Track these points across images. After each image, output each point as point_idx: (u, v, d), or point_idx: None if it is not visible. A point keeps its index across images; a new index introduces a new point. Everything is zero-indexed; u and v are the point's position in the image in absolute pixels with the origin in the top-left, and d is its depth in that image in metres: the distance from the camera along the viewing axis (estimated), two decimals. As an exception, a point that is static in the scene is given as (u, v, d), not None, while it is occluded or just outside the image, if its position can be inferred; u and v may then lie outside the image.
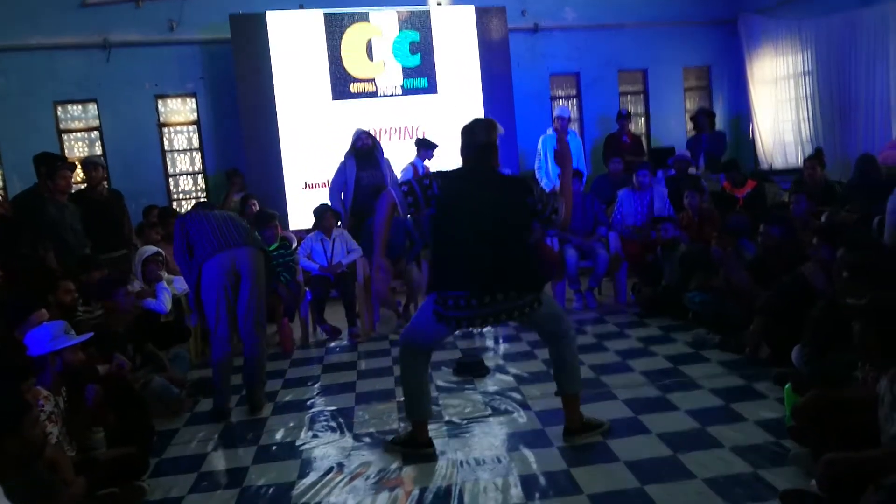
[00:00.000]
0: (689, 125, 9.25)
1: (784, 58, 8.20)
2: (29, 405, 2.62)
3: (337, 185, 6.54)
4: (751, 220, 5.64)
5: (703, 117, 8.05)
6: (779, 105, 8.38)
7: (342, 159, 6.59)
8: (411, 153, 7.49)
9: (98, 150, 7.86)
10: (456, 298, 3.05)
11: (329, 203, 6.27)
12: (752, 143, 8.91)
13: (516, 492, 2.91)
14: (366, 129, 7.14)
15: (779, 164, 8.40)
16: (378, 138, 7.43)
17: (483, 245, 3.03)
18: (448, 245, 3.11)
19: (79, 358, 3.29)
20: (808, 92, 7.87)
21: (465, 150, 3.20)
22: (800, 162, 7.39)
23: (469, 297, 3.04)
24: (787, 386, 3.25)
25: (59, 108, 7.84)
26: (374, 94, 7.56)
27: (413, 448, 3.33)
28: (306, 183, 7.42)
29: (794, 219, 5.11)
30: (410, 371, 3.30)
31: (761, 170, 8.31)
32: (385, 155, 6.66)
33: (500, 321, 3.16)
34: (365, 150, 6.44)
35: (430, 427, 3.66)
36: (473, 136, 3.17)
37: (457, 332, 5.54)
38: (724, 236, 4.98)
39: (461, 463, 3.23)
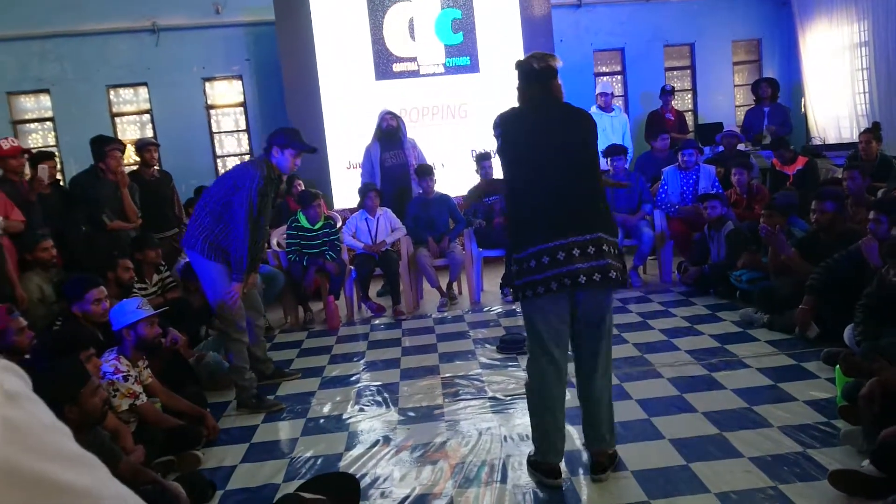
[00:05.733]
0: (738, 100, 9.03)
1: (839, 29, 7.90)
2: (88, 376, 2.74)
3: (365, 169, 6.57)
4: (801, 197, 5.51)
5: (765, 86, 7.74)
6: (833, 78, 8.09)
7: (368, 143, 6.60)
8: (454, 133, 7.51)
9: (149, 133, 8.07)
10: (538, 256, 2.63)
11: (372, 183, 6.32)
12: (804, 118, 8.64)
13: (561, 467, 2.93)
14: (407, 108, 7.20)
15: (832, 139, 8.12)
16: (420, 118, 7.45)
17: (560, 191, 2.67)
18: (520, 200, 2.75)
19: (154, 332, 3.44)
20: (864, 64, 7.58)
21: (522, 82, 2.82)
22: (854, 137, 7.14)
23: (545, 252, 2.61)
24: (837, 366, 3.20)
25: (112, 92, 8.06)
26: (416, 74, 7.56)
27: (538, 473, 2.84)
28: (350, 163, 7.48)
29: (848, 195, 4.97)
30: (542, 399, 2.77)
31: (813, 145, 8.07)
32: (409, 135, 6.64)
33: (588, 281, 2.59)
34: (390, 130, 6.44)
35: (474, 403, 3.73)
36: (528, 65, 2.79)
37: (500, 310, 5.59)
38: (772, 214, 4.87)
39: (505, 438, 3.26)
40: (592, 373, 2.78)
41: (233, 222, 3.64)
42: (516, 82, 2.86)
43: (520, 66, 2.84)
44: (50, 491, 0.42)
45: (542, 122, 2.76)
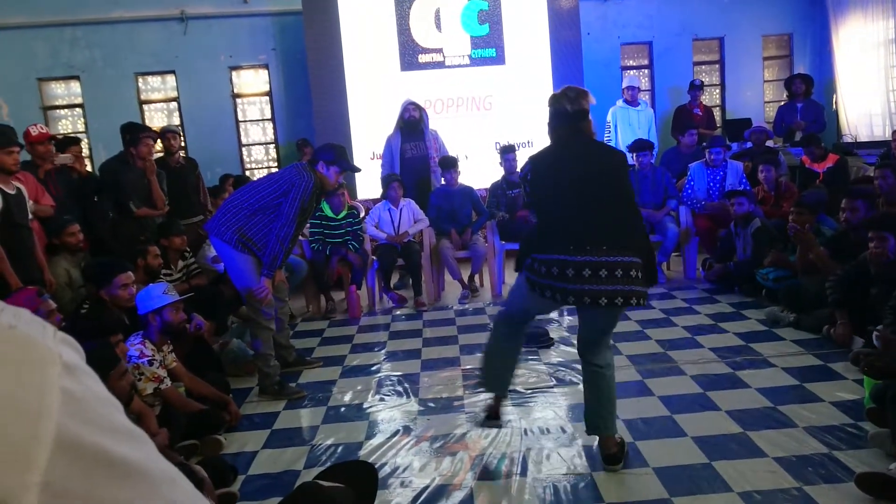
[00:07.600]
0: (767, 96, 8.89)
1: (874, 24, 7.73)
2: (117, 359, 2.79)
3: (386, 160, 6.55)
4: (831, 195, 5.42)
5: (798, 82, 7.60)
6: (866, 75, 7.93)
7: (389, 132, 6.58)
8: (478, 125, 7.48)
9: (176, 121, 8.14)
10: (549, 265, 2.71)
11: (396, 174, 6.31)
12: (836, 115, 8.48)
13: (580, 462, 2.92)
14: (432, 100, 7.19)
15: (864, 136, 7.97)
16: (445, 110, 7.44)
17: (578, 208, 2.73)
18: (543, 214, 2.89)
19: (179, 317, 3.49)
20: (899, 60, 7.42)
21: (553, 121, 2.87)
22: (887, 135, 7.00)
23: (562, 264, 2.66)
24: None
25: (140, 80, 8.14)
26: (441, 65, 7.54)
27: (486, 419, 3.16)
28: (374, 153, 7.49)
29: (879, 194, 4.87)
30: (497, 344, 3.08)
31: (844, 143, 7.91)
32: (431, 127, 6.60)
33: (587, 301, 2.66)
34: (412, 121, 6.40)
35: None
36: (560, 105, 2.83)
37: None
38: (802, 212, 4.79)
39: (525, 431, 3.26)
40: (594, 366, 2.92)
41: (276, 222, 3.69)
42: (548, 119, 2.90)
43: (552, 104, 2.87)
44: (104, 463, 0.42)
45: (566, 155, 2.82)
